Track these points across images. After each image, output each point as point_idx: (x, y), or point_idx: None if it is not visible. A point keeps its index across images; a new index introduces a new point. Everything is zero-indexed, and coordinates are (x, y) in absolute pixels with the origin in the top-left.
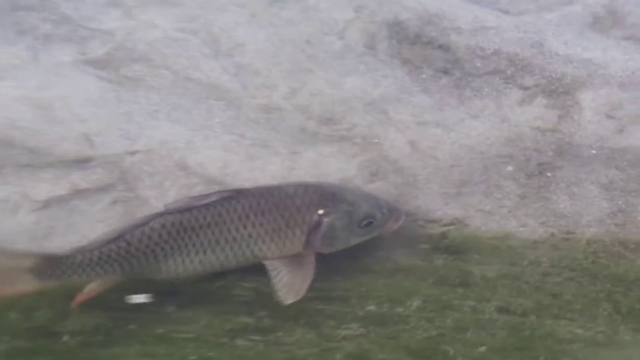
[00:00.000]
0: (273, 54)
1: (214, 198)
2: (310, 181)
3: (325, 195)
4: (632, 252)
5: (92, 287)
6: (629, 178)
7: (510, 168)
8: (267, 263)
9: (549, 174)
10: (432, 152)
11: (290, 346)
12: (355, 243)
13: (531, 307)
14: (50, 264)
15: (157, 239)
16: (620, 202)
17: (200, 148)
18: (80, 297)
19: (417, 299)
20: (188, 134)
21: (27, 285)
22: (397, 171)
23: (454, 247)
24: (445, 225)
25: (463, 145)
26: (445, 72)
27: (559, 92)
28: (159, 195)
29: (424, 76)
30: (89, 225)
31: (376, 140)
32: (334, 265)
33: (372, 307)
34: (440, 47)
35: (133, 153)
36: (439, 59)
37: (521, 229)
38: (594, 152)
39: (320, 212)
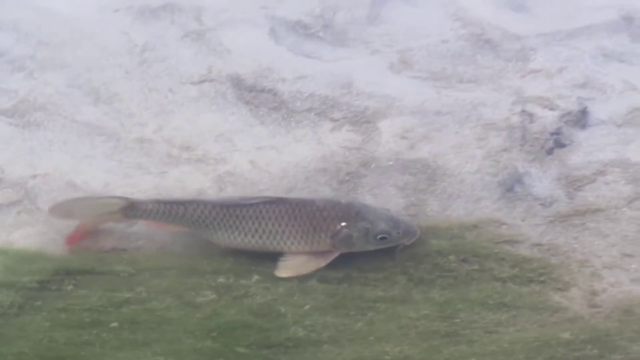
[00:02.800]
0: (144, 100)
1: (260, 200)
2: (342, 199)
3: (350, 212)
4: (422, 234)
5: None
6: (419, 181)
7: (324, 178)
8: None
9: (355, 181)
10: (267, 168)
11: (161, 311)
12: (372, 249)
13: (343, 277)
14: (132, 207)
15: (207, 213)
16: (412, 199)
17: (86, 171)
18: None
19: (256, 274)
20: (76, 161)
21: (117, 220)
22: (241, 182)
23: None
24: None
25: (290, 162)
26: (276, 110)
27: (363, 121)
28: None
29: (261, 113)
30: (3, 229)
31: (224, 161)
32: (197, 245)
33: (222, 280)
34: (270, 92)
35: (34, 177)
36: (271, 101)
37: None
38: (391, 163)
39: (343, 224)
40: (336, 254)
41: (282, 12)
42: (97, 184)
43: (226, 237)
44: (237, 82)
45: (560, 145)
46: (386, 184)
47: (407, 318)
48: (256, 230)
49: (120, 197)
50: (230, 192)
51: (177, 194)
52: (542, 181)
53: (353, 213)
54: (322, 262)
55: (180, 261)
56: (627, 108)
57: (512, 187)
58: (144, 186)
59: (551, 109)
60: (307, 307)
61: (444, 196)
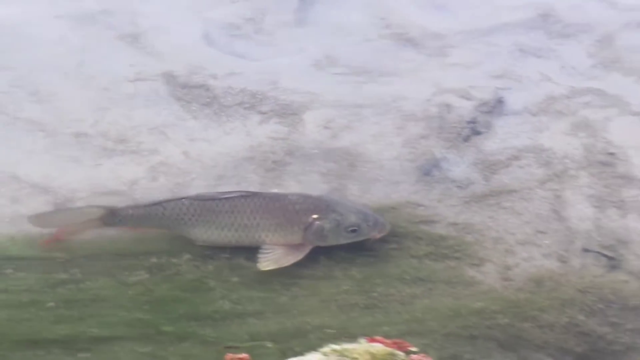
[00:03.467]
0: (80, 98)
1: (235, 194)
2: (310, 194)
3: (321, 205)
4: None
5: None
6: (340, 167)
7: (252, 166)
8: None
9: (281, 169)
10: (199, 159)
11: (96, 290)
12: (344, 242)
13: None
14: (111, 214)
15: (185, 210)
16: (335, 184)
17: (27, 164)
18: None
19: (187, 253)
20: (18, 155)
21: (97, 227)
22: (175, 173)
23: None
24: None
25: (220, 153)
26: (207, 105)
27: (289, 113)
28: None
29: (193, 108)
30: None
31: (158, 152)
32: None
33: (154, 260)
34: (202, 87)
35: None
36: (203, 97)
37: None
38: (315, 151)
39: (314, 216)
40: (310, 247)
41: (215, 15)
42: (37, 176)
43: (204, 232)
44: (170, 80)
45: (476, 132)
46: (310, 171)
47: (328, 293)
48: (232, 224)
49: (99, 206)
50: (163, 182)
51: (111, 184)
52: (459, 165)
53: (324, 206)
54: (299, 255)
55: (114, 245)
56: (541, 98)
57: (429, 171)
58: (79, 176)
59: (468, 99)
60: (234, 281)
61: (364, 181)
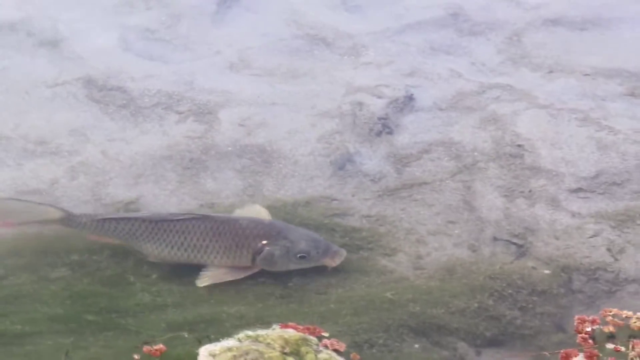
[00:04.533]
0: (2, 102)
1: (186, 217)
2: (265, 219)
3: (272, 231)
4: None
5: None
6: (255, 164)
7: (170, 164)
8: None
9: (198, 166)
10: (117, 158)
11: (18, 286)
12: (294, 268)
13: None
14: (69, 219)
15: (137, 227)
16: (250, 180)
17: None
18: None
19: (107, 250)
20: None
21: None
22: (93, 171)
23: None
24: (127, 204)
25: (138, 152)
26: (124, 107)
27: (205, 112)
28: None
29: (111, 110)
30: None
31: (77, 153)
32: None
33: (75, 257)
34: (119, 90)
35: None
36: (120, 98)
37: (180, 204)
38: (230, 148)
39: (264, 242)
40: (255, 270)
41: (132, 20)
42: None
43: (155, 249)
44: (88, 83)
45: (387, 128)
46: (225, 168)
47: (246, 284)
48: (182, 244)
49: (57, 208)
50: (83, 181)
51: (33, 183)
52: (372, 159)
53: (274, 232)
54: (241, 275)
55: (36, 243)
56: (452, 93)
57: (343, 165)
58: (2, 177)
59: (379, 97)
60: (154, 276)
61: (279, 177)
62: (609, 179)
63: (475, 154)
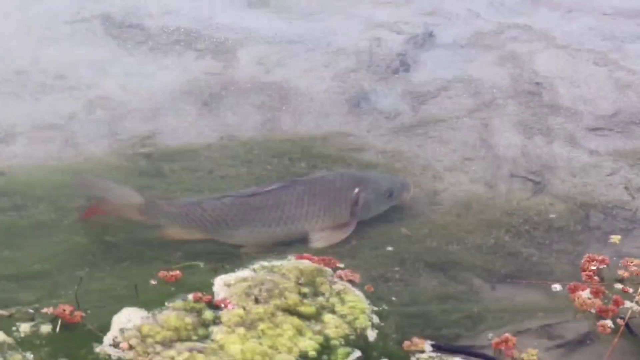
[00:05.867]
0: (21, 37)
1: (274, 186)
2: (342, 170)
3: (357, 178)
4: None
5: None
6: (273, 100)
7: (189, 99)
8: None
9: (217, 101)
10: (136, 92)
11: (34, 216)
12: (383, 210)
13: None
14: (148, 206)
15: (227, 211)
16: (268, 115)
17: None
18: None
19: None
20: None
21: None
22: (113, 105)
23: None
24: (145, 138)
25: (157, 87)
26: (143, 43)
27: (223, 50)
28: None
29: (129, 46)
30: None
31: (96, 86)
32: None
33: None
34: (138, 27)
35: None
36: (139, 35)
37: (199, 137)
38: (249, 85)
39: (357, 190)
40: (353, 226)
41: None
42: None
43: (250, 232)
44: (106, 19)
45: (405, 65)
46: (244, 103)
47: None
48: (280, 218)
49: (138, 194)
50: (100, 115)
51: (50, 118)
52: (387, 97)
53: (359, 179)
54: (344, 234)
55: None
56: (470, 32)
57: (358, 103)
58: (19, 111)
59: (399, 33)
60: None
61: (296, 113)
62: (627, 117)
63: (494, 90)
